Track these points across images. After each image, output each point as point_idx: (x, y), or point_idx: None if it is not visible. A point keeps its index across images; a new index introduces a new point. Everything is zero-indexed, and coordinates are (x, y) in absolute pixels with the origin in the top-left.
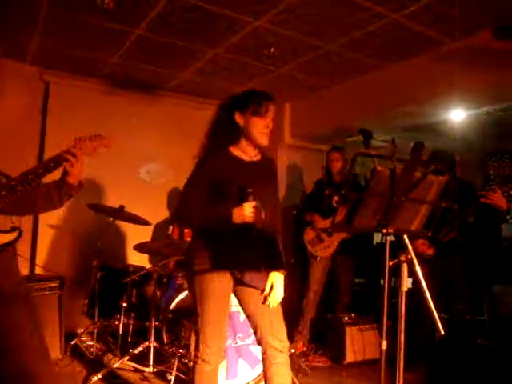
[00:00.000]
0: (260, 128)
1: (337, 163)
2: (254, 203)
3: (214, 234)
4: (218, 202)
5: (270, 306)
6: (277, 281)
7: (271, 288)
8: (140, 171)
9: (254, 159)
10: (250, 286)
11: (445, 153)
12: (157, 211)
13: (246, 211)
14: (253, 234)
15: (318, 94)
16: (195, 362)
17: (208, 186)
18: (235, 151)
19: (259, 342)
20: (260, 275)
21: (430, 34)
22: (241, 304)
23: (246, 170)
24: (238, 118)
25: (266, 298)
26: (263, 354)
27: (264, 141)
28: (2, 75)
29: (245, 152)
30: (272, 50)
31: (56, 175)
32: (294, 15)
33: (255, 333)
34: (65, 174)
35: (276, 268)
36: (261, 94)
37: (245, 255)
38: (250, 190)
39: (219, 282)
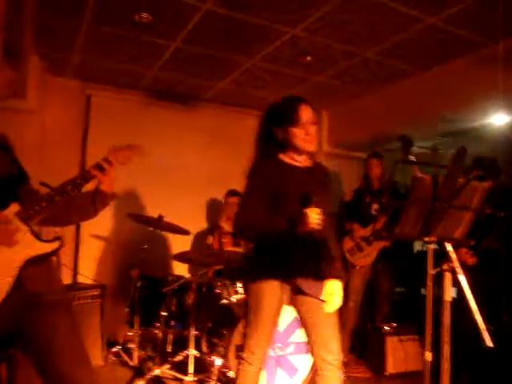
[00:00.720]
0: (301, 136)
1: (376, 169)
2: (318, 210)
3: (271, 242)
4: (277, 209)
5: (326, 312)
6: (335, 289)
7: (329, 295)
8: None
9: (307, 165)
10: (308, 295)
11: (488, 158)
12: (196, 221)
13: (312, 218)
14: (310, 241)
15: (356, 101)
16: (240, 362)
17: (266, 194)
18: (285, 158)
19: (312, 353)
20: (318, 284)
21: (470, 37)
22: (298, 313)
23: (302, 176)
24: (277, 132)
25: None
26: (314, 366)
27: (310, 147)
28: (45, 90)
29: (294, 159)
30: (308, 58)
31: (90, 186)
32: (329, 23)
33: (309, 342)
34: (99, 183)
35: (334, 276)
36: (291, 101)
37: (303, 263)
38: (315, 198)
39: (275, 292)
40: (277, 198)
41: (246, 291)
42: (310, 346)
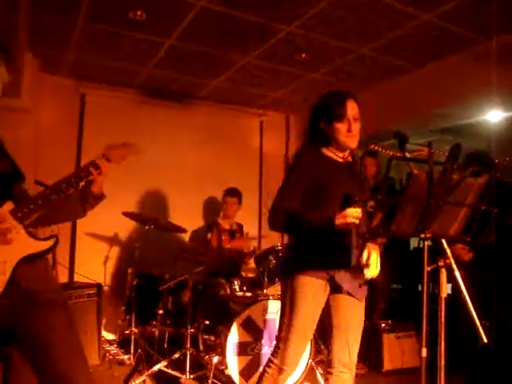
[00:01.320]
0: (343, 133)
1: (371, 168)
2: (359, 209)
3: (313, 238)
4: (315, 202)
5: (358, 313)
6: (373, 253)
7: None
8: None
9: (348, 160)
10: (347, 293)
11: (483, 154)
12: (192, 219)
13: (351, 216)
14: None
15: None
16: (268, 366)
17: (306, 185)
18: (328, 152)
19: (330, 351)
20: (358, 284)
21: (464, 34)
22: (330, 312)
23: (343, 171)
24: (323, 126)
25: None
26: (330, 367)
27: (351, 144)
28: (39, 88)
29: (336, 154)
30: (303, 55)
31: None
32: (324, 20)
33: (328, 342)
34: (90, 182)
35: (372, 238)
36: (334, 96)
37: (345, 261)
38: (356, 198)
39: (316, 290)
40: (316, 190)
41: (284, 289)
42: (331, 344)
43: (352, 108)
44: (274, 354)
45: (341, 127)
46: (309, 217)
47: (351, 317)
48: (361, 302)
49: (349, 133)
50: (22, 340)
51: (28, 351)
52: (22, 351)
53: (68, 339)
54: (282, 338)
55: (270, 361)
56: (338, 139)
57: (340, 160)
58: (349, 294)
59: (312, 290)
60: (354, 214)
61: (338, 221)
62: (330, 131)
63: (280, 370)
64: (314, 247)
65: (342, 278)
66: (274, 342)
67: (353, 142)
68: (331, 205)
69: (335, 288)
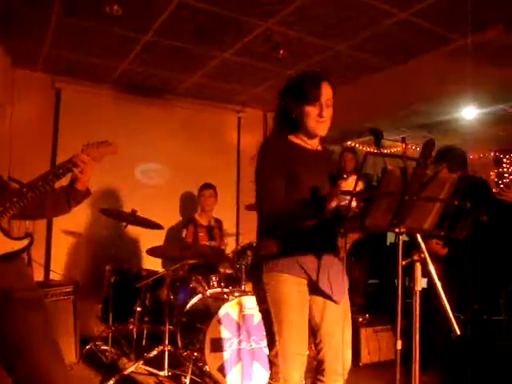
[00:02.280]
0: (313, 117)
1: (350, 163)
2: (353, 176)
3: (290, 234)
4: (293, 193)
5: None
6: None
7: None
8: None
9: (317, 149)
10: (327, 296)
11: (455, 149)
12: (169, 215)
13: (349, 184)
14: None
15: None
16: None
17: (281, 174)
18: (295, 139)
19: (320, 360)
20: (341, 286)
21: (440, 32)
22: (310, 312)
23: (312, 159)
24: (292, 108)
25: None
26: (322, 375)
27: (320, 130)
28: (13, 83)
29: (305, 142)
30: (281, 51)
31: (65, 181)
32: (302, 16)
33: (316, 346)
34: (73, 180)
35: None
36: (309, 77)
37: (326, 259)
38: (345, 175)
39: (297, 290)
40: (290, 180)
41: (261, 296)
42: (318, 352)
43: (326, 92)
44: (273, 372)
45: (311, 111)
46: (300, 207)
47: (334, 321)
48: (339, 304)
49: (320, 117)
50: None
51: (2, 351)
52: None
53: (45, 338)
54: (274, 353)
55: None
56: (307, 124)
57: (308, 147)
58: (327, 297)
59: (291, 287)
60: (352, 181)
61: (329, 201)
62: (299, 115)
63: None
64: (290, 248)
65: (319, 278)
66: (254, 338)
67: (322, 129)
68: (303, 194)
69: (314, 289)
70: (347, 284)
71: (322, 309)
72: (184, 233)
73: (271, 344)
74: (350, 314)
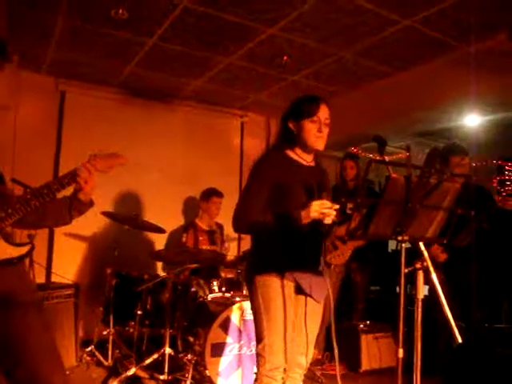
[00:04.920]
0: (313, 132)
1: (351, 171)
2: (323, 200)
3: (276, 238)
4: (278, 203)
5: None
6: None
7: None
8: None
9: (311, 164)
10: (308, 295)
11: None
12: (171, 219)
13: (314, 208)
14: (311, 233)
15: (331, 101)
16: (259, 380)
17: (269, 188)
18: (291, 154)
19: (286, 352)
20: (321, 287)
21: (444, 39)
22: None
23: (306, 173)
24: (291, 125)
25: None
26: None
27: (319, 145)
28: (18, 86)
29: (300, 157)
30: (285, 58)
31: (68, 192)
32: (306, 23)
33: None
34: (77, 190)
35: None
36: (309, 97)
37: (307, 262)
38: (324, 192)
39: (284, 291)
40: (279, 192)
41: (253, 293)
42: (286, 344)
43: (324, 111)
44: (260, 363)
45: (311, 127)
46: (275, 224)
47: (310, 319)
48: (319, 304)
49: (318, 133)
50: None
51: (2, 355)
52: None
53: (43, 341)
54: (262, 346)
55: (259, 373)
56: (306, 139)
57: (303, 162)
58: (309, 295)
59: (277, 288)
60: (316, 206)
61: (304, 216)
62: (298, 131)
63: (273, 370)
64: (275, 251)
65: (303, 279)
66: (254, 343)
67: (320, 144)
68: (292, 205)
69: (297, 289)
70: (327, 289)
71: (301, 307)
72: (184, 238)
73: (259, 338)
74: (321, 314)
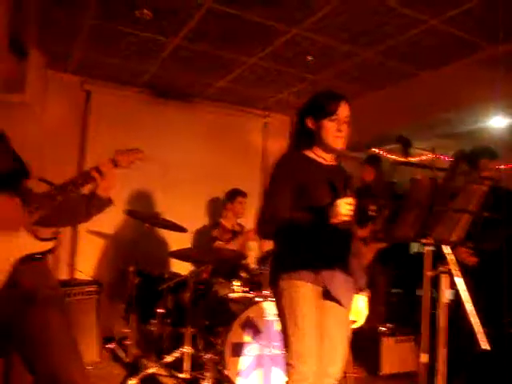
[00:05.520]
0: (332, 131)
1: (369, 175)
2: (350, 200)
3: (303, 240)
4: (300, 204)
5: (344, 322)
6: (363, 306)
7: (358, 312)
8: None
9: (331, 163)
10: (334, 300)
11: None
12: (196, 218)
13: (342, 208)
14: (338, 234)
15: (355, 102)
16: None
17: (291, 190)
18: (311, 154)
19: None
20: (347, 291)
21: (471, 39)
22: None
23: (327, 172)
24: (310, 124)
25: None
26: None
27: (338, 144)
28: (45, 85)
29: (319, 156)
30: (309, 57)
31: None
32: (330, 23)
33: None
34: (96, 187)
35: (361, 289)
36: (328, 95)
37: (336, 265)
38: (348, 189)
39: (311, 296)
40: (300, 193)
41: (277, 297)
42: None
43: (344, 109)
44: (289, 372)
45: (331, 126)
46: (299, 217)
47: (339, 326)
48: (347, 310)
49: (338, 132)
50: (18, 339)
51: (24, 350)
52: (17, 350)
53: (64, 337)
54: (289, 353)
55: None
56: (326, 139)
57: (323, 162)
58: (336, 300)
59: (305, 293)
60: (344, 205)
61: (331, 216)
62: (317, 130)
63: (301, 381)
64: (301, 252)
65: (332, 283)
66: (275, 344)
67: (340, 143)
68: (317, 204)
69: (324, 293)
70: (354, 292)
71: (330, 312)
72: (215, 232)
73: (286, 346)
74: (349, 320)
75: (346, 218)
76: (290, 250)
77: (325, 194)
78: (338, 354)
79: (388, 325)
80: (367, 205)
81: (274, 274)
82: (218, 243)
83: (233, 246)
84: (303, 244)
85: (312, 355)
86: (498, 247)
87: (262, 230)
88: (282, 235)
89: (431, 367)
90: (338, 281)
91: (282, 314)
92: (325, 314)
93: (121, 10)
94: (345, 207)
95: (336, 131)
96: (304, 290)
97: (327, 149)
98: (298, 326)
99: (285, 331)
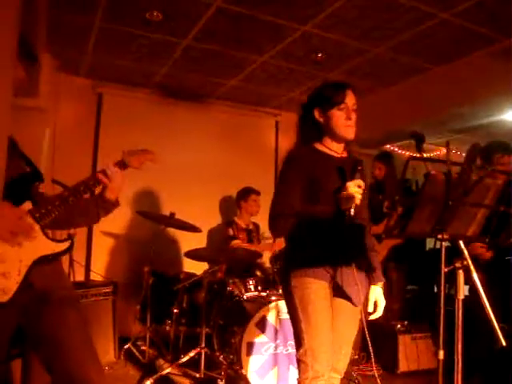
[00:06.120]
0: (341, 121)
1: (379, 172)
2: (359, 181)
3: (314, 236)
4: (312, 199)
5: (353, 317)
6: (380, 296)
7: (375, 305)
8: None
9: (342, 155)
10: (345, 297)
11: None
12: (207, 218)
13: (351, 189)
14: (351, 229)
15: (367, 98)
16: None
17: (301, 182)
18: (321, 147)
19: None
20: (359, 288)
21: (484, 32)
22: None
23: (339, 164)
24: (318, 115)
25: (366, 313)
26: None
27: (349, 133)
28: (57, 88)
29: (330, 148)
30: (319, 55)
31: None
32: (340, 19)
33: None
34: (104, 188)
35: (377, 281)
36: (334, 84)
37: (348, 262)
38: (357, 171)
39: (322, 292)
40: (311, 187)
41: (287, 295)
42: (328, 349)
43: (351, 97)
44: (302, 370)
45: (339, 115)
46: (311, 209)
47: (348, 323)
48: (356, 308)
49: (347, 121)
50: (35, 339)
51: (41, 350)
52: (35, 350)
53: (80, 337)
54: (302, 350)
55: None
56: (335, 129)
57: (334, 154)
58: (347, 298)
59: (317, 290)
60: (354, 186)
61: (342, 201)
62: (326, 121)
63: (316, 378)
64: (313, 247)
65: (343, 280)
66: (291, 342)
67: (350, 133)
68: (324, 201)
69: (335, 290)
70: (366, 290)
71: (339, 309)
72: (231, 231)
73: (299, 343)
74: (358, 319)
75: (357, 201)
76: (301, 246)
77: (329, 191)
78: (345, 351)
79: (404, 322)
80: (381, 201)
81: (285, 271)
82: (235, 242)
83: (251, 245)
84: (314, 240)
85: (326, 351)
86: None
87: (274, 226)
88: (292, 232)
89: (449, 364)
90: (350, 278)
91: (293, 312)
92: (335, 311)
93: (131, 13)
94: (353, 189)
95: (346, 120)
96: (316, 286)
97: (337, 139)
98: (310, 322)
99: (297, 328)
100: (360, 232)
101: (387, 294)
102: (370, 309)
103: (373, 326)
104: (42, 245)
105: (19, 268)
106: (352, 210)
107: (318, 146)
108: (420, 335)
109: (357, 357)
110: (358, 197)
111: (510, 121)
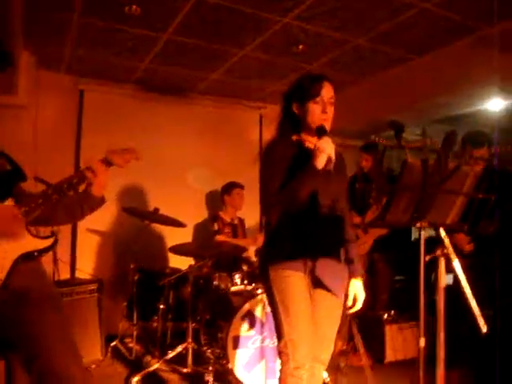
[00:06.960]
0: (317, 114)
1: (366, 163)
2: (326, 138)
3: (292, 227)
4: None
5: (334, 309)
6: (359, 290)
7: (354, 299)
8: (187, 177)
9: None
10: (325, 288)
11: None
12: (194, 213)
13: (323, 144)
14: (330, 219)
15: (349, 89)
16: (284, 379)
17: (284, 165)
18: (298, 139)
19: None
20: (339, 280)
21: (465, 21)
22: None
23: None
24: (295, 108)
25: (346, 307)
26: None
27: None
28: (37, 85)
29: (308, 140)
30: (300, 46)
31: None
32: (320, 11)
33: None
34: (89, 185)
35: (356, 275)
36: (311, 77)
37: (326, 252)
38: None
39: (300, 284)
40: (290, 175)
41: (267, 286)
42: (308, 340)
43: (328, 90)
44: (283, 361)
45: (315, 108)
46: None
47: (329, 314)
48: (338, 298)
49: (323, 114)
50: (14, 338)
51: (20, 349)
52: (15, 350)
53: (62, 336)
54: (282, 340)
55: (283, 371)
56: (311, 122)
57: (311, 147)
58: (327, 289)
59: (295, 281)
60: (327, 143)
61: (316, 158)
62: (302, 113)
63: (298, 368)
64: (290, 240)
65: (322, 271)
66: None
67: (326, 125)
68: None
69: (315, 282)
70: (346, 281)
71: (320, 300)
72: (216, 226)
73: (280, 335)
74: (341, 309)
75: (331, 155)
76: (279, 239)
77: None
78: (328, 342)
79: (391, 312)
80: (366, 192)
81: (264, 264)
82: (220, 237)
83: (236, 240)
84: (291, 233)
85: (306, 342)
86: (492, 231)
87: (283, 199)
88: (272, 224)
89: (434, 352)
90: (329, 269)
91: (273, 304)
92: (315, 302)
93: (109, 7)
94: (326, 143)
95: (321, 113)
96: (293, 278)
97: (312, 133)
98: (289, 314)
99: (277, 320)
100: (338, 223)
101: (375, 284)
102: (350, 302)
103: (360, 316)
104: (25, 242)
105: (2, 265)
106: (331, 165)
107: (296, 138)
108: (407, 325)
109: (345, 347)
110: (329, 150)
111: (492, 110)
